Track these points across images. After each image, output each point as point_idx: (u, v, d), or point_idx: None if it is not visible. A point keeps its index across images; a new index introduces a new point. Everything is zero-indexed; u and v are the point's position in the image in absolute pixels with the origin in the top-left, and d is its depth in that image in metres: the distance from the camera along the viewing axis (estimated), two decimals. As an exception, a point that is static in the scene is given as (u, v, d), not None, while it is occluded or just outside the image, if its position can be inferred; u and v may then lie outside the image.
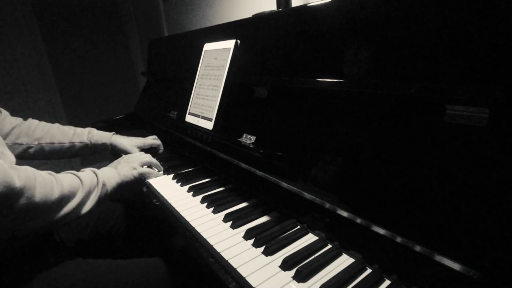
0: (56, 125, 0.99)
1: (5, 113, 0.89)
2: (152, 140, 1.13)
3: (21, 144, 0.90)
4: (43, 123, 0.97)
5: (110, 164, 0.86)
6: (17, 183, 0.51)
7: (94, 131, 1.03)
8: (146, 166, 0.91)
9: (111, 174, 0.77)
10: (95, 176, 0.72)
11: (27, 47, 2.27)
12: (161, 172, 0.94)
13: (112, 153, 1.11)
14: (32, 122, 0.94)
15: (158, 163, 0.94)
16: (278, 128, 0.72)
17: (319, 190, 0.58)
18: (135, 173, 0.83)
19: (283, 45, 0.75)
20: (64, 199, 0.61)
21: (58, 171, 0.67)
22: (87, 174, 0.71)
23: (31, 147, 0.91)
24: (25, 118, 0.95)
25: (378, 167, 0.51)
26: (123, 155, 0.94)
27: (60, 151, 0.96)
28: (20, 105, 2.31)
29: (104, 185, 0.72)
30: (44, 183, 0.57)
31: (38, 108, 2.37)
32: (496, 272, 0.36)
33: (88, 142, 1.00)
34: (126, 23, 2.63)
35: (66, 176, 0.65)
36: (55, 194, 0.58)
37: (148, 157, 0.92)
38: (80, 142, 0.99)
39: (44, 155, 0.94)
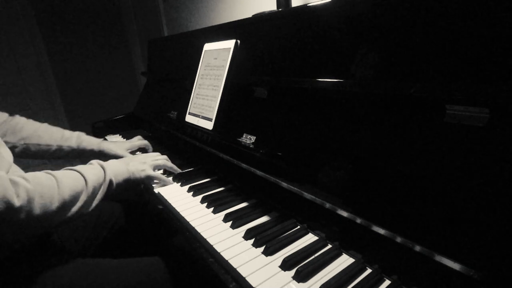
0: (45, 125, 0.97)
1: None
2: (139, 141, 1.13)
3: (7, 143, 0.87)
4: (30, 121, 0.94)
5: (123, 159, 0.85)
6: (16, 202, 0.50)
7: (83, 136, 1.01)
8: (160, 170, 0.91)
9: (121, 170, 0.75)
10: (103, 172, 0.70)
11: (27, 47, 2.27)
12: (170, 179, 0.89)
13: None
14: (19, 120, 0.92)
15: (174, 166, 0.92)
16: (278, 128, 0.72)
17: (319, 190, 0.58)
18: (143, 174, 0.82)
19: (283, 45, 0.75)
20: (65, 206, 0.60)
21: (57, 167, 0.66)
22: (94, 170, 0.69)
23: (16, 147, 0.89)
24: (11, 114, 0.92)
25: (378, 167, 0.51)
26: (139, 153, 0.95)
27: (46, 153, 0.94)
28: (20, 105, 2.31)
29: (111, 182, 0.71)
30: (44, 193, 0.56)
31: (38, 108, 2.38)
32: (496, 272, 0.36)
33: (76, 147, 0.98)
34: (126, 23, 2.63)
35: (70, 177, 0.63)
36: (55, 202, 0.57)
37: (163, 161, 0.90)
38: (68, 146, 0.97)
39: (28, 155, 0.93)
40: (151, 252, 0.78)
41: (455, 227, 0.40)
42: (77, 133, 1.01)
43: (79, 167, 0.68)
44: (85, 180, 0.65)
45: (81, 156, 1.01)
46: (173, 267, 0.73)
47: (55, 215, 0.58)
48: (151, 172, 0.84)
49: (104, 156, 1.02)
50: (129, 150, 1.07)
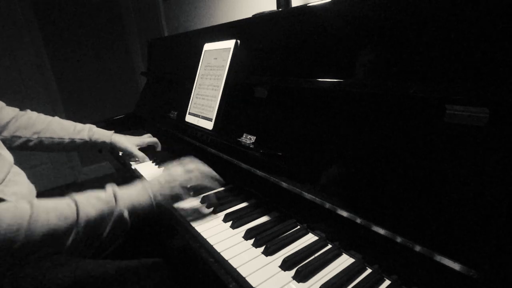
0: (56, 118, 1.00)
1: (1, 104, 0.89)
2: (149, 138, 1.15)
3: (20, 137, 0.90)
4: (42, 116, 0.98)
5: (154, 182, 0.65)
6: None
7: (94, 128, 1.05)
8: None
9: (142, 201, 0.60)
10: (113, 206, 0.56)
11: (27, 47, 2.27)
12: (210, 212, 0.70)
13: (110, 151, 1.12)
14: (32, 115, 0.95)
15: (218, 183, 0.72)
16: (278, 128, 0.72)
17: (319, 190, 0.58)
18: (175, 205, 0.66)
19: (283, 45, 0.75)
20: (31, 248, 0.48)
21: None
22: (98, 208, 0.54)
23: (30, 141, 0.92)
24: (22, 108, 0.95)
25: (378, 167, 0.51)
26: (178, 166, 0.69)
27: (59, 145, 0.97)
28: (20, 105, 2.31)
29: (122, 220, 0.56)
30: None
31: (38, 109, 2.36)
32: (496, 272, 0.36)
33: (88, 140, 1.01)
34: (126, 23, 2.63)
35: (52, 213, 0.50)
36: (17, 243, 0.46)
37: (209, 179, 0.70)
38: (80, 139, 1.00)
39: (42, 148, 0.96)
40: (151, 253, 0.78)
41: (455, 227, 0.40)
42: (88, 125, 1.04)
43: (84, 202, 0.54)
44: (77, 218, 0.51)
45: (93, 148, 1.05)
46: (173, 268, 0.73)
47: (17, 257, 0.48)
48: (187, 206, 0.66)
49: (114, 148, 1.06)
50: (139, 146, 1.09)
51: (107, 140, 1.04)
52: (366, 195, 0.51)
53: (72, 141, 0.99)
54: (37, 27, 2.28)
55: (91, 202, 0.55)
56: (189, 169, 0.68)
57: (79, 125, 1.02)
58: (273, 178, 0.67)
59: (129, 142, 1.06)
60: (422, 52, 0.48)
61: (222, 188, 0.83)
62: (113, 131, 1.08)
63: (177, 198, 0.66)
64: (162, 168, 0.97)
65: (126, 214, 0.57)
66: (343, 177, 0.55)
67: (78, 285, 0.63)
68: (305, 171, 0.62)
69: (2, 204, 0.48)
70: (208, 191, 0.71)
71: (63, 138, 0.97)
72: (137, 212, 0.60)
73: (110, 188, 0.59)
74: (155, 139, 1.16)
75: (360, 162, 0.54)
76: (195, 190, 0.67)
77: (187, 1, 1.77)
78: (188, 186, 0.66)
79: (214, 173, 0.71)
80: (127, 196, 0.59)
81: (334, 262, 0.54)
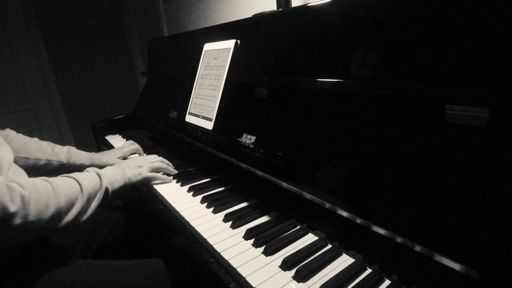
0: (35, 139, 0.94)
1: None
2: (129, 146, 1.10)
3: None
4: (20, 135, 0.92)
5: (119, 165, 0.84)
6: (11, 207, 0.50)
7: (73, 150, 0.98)
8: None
9: (116, 177, 0.76)
10: (99, 180, 0.70)
11: (27, 47, 2.27)
12: (170, 178, 0.91)
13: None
14: (9, 133, 0.90)
15: (169, 168, 0.93)
16: (278, 128, 0.72)
17: (319, 190, 0.58)
18: (139, 178, 0.83)
19: (283, 45, 0.75)
20: (61, 212, 0.59)
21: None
22: (90, 178, 0.69)
23: None
24: (2, 128, 0.90)
25: (378, 167, 0.51)
26: (137, 156, 0.95)
27: (33, 167, 0.91)
28: (20, 105, 2.31)
29: (107, 189, 0.71)
30: (39, 198, 0.56)
31: (38, 108, 2.37)
32: (496, 272, 0.36)
33: (66, 162, 0.95)
34: (126, 23, 2.63)
35: (66, 183, 0.63)
36: (51, 208, 0.57)
37: (159, 163, 0.91)
38: (57, 161, 0.94)
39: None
40: (151, 254, 0.78)
41: (455, 227, 0.40)
42: (67, 147, 0.98)
43: (76, 174, 0.68)
44: (81, 187, 0.65)
45: (71, 171, 0.96)
46: (173, 268, 0.73)
47: (50, 221, 0.58)
48: (148, 174, 0.85)
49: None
50: (121, 157, 1.05)
51: (86, 162, 0.97)
52: (366, 195, 0.51)
53: (49, 163, 0.92)
54: (37, 27, 2.29)
55: (84, 177, 0.69)
56: (150, 157, 0.93)
57: (58, 147, 0.96)
58: (273, 178, 0.67)
59: (110, 158, 1.01)
60: (423, 52, 0.48)
61: (222, 188, 0.83)
62: (92, 153, 1.02)
63: (140, 172, 0.84)
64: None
65: (109, 187, 0.72)
66: (343, 177, 0.55)
67: (78, 285, 0.63)
68: (305, 171, 0.62)
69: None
70: (164, 171, 0.93)
71: (39, 159, 0.91)
72: (114, 187, 0.74)
73: (91, 169, 0.75)
74: (136, 146, 1.11)
75: (360, 162, 0.54)
76: (152, 169, 0.89)
77: (187, 1, 1.77)
78: (145, 165, 0.87)
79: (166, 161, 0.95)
80: (107, 174, 0.74)
81: (334, 262, 0.54)
